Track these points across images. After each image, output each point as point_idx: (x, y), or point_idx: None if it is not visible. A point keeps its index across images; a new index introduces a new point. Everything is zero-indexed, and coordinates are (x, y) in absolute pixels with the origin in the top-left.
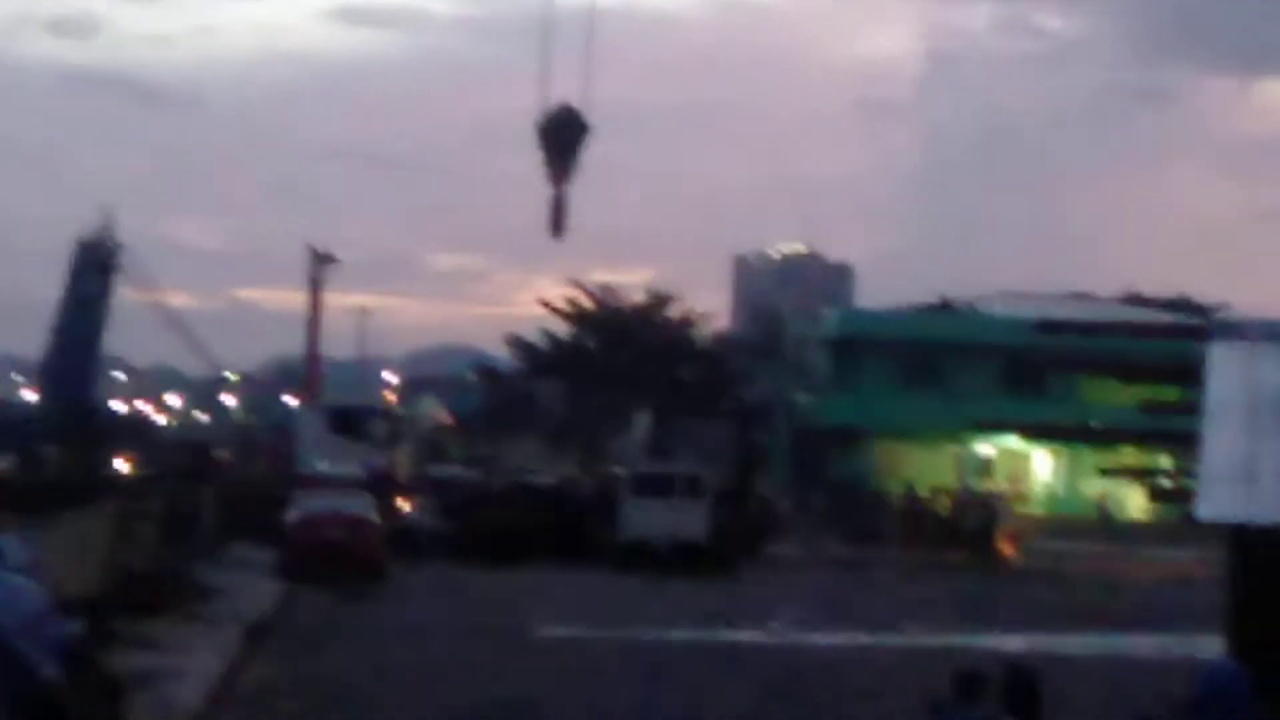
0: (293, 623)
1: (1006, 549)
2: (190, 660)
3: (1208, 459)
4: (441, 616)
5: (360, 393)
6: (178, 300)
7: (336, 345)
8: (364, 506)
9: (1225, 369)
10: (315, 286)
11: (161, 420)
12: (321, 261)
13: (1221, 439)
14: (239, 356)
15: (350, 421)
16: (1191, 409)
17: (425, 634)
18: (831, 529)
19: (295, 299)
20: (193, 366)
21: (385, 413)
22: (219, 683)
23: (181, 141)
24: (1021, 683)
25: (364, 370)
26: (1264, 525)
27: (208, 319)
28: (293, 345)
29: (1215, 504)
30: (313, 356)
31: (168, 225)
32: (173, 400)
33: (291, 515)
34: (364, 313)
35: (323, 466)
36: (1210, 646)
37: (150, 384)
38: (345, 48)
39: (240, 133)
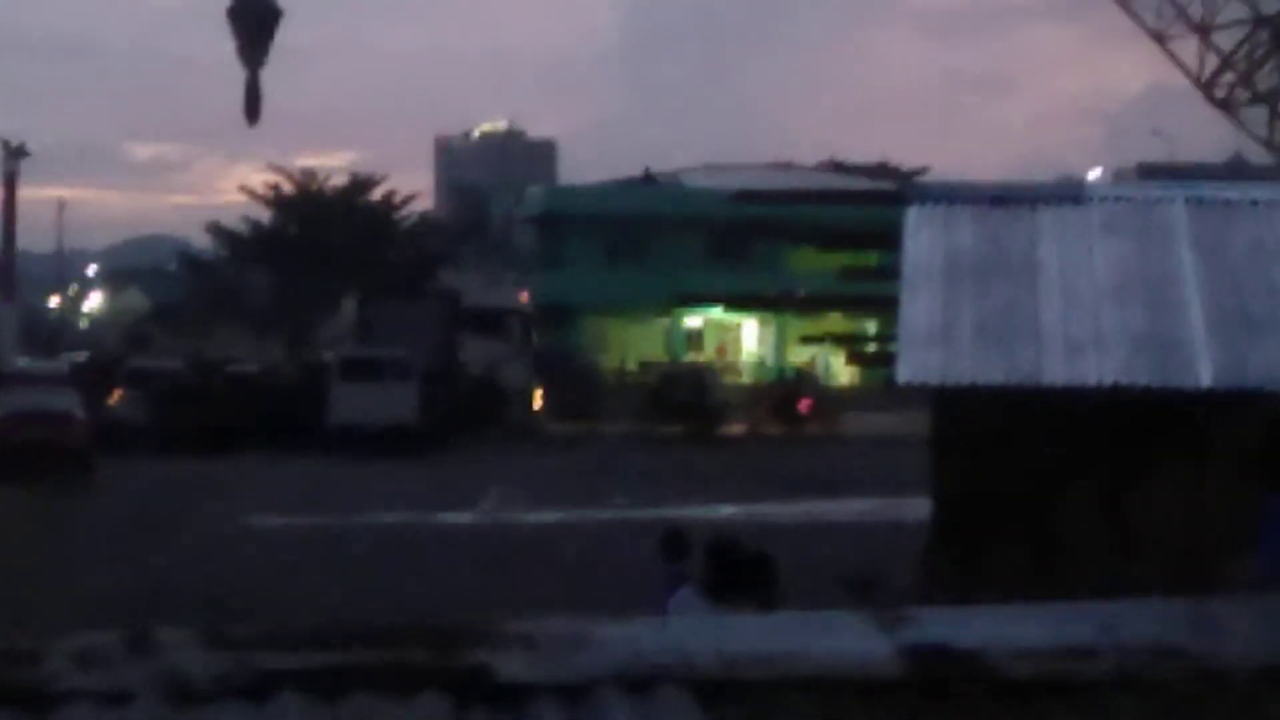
0: None
1: (812, 419)
2: None
3: (906, 323)
4: (151, 509)
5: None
6: None
7: (34, 240)
8: (68, 402)
9: (921, 233)
10: (9, 180)
11: None
12: (13, 154)
13: (918, 303)
14: None
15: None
16: (891, 274)
17: (134, 527)
18: (543, 407)
19: None
20: None
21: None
22: None
23: None
24: (720, 556)
25: (63, 264)
26: (960, 386)
27: None
28: None
29: (914, 367)
30: (9, 252)
31: None
32: None
33: None
34: (61, 205)
35: (23, 363)
36: (917, 508)
37: None
38: None
39: None
